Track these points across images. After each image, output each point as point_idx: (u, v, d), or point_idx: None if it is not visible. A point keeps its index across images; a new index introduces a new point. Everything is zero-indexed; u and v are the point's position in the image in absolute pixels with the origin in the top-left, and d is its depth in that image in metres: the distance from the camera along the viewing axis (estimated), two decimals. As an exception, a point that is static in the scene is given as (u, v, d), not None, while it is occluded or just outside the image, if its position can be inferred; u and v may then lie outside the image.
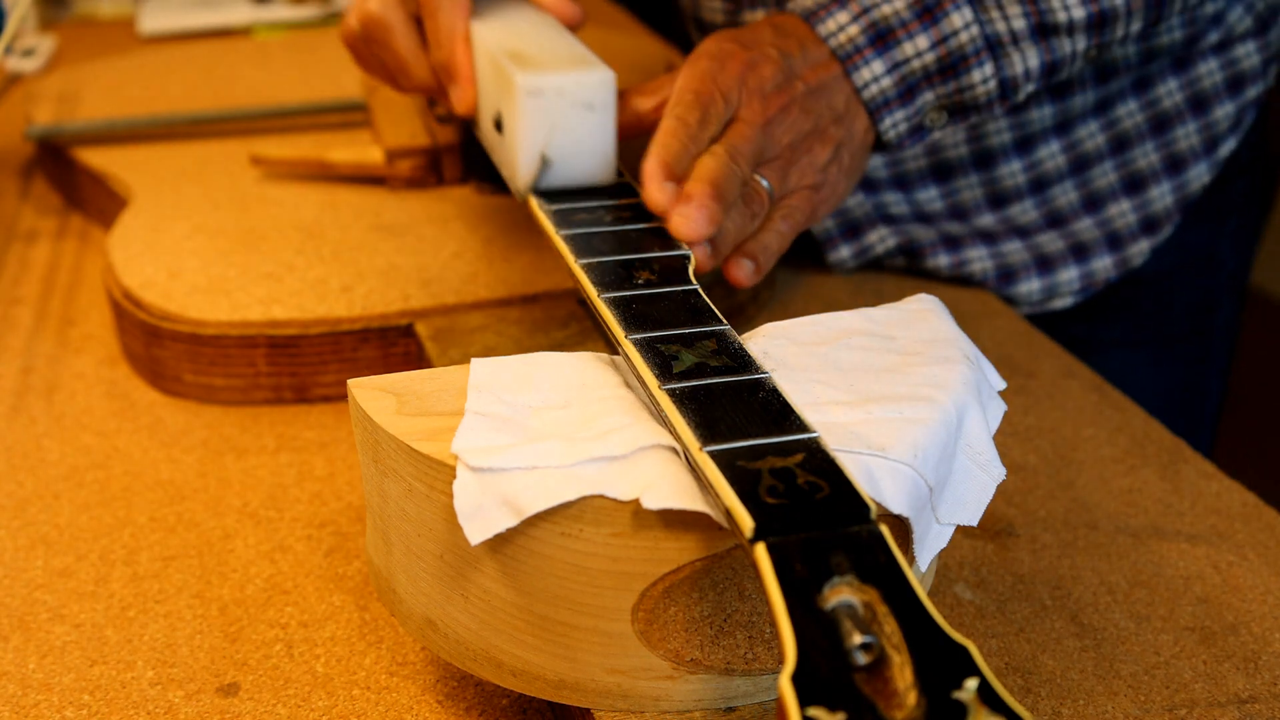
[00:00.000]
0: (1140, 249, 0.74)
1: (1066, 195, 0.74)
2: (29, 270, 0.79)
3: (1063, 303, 0.75)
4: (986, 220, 0.75)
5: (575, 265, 0.48)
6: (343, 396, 0.65)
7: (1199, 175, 0.74)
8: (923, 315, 0.47)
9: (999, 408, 0.45)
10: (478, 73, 0.60)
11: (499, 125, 0.58)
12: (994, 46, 0.61)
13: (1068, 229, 0.74)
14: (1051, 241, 0.73)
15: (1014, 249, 0.74)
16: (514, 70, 0.54)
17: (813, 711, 0.28)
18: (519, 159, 0.55)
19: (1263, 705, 0.45)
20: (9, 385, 0.67)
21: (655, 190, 0.52)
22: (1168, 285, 0.78)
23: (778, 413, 0.38)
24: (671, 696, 0.40)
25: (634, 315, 0.45)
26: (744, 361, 0.41)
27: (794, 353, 0.44)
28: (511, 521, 0.37)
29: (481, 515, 0.37)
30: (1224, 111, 0.74)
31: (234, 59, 1.03)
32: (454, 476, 0.38)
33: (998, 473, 0.42)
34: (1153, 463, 0.59)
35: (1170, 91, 0.73)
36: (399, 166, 0.77)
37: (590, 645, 0.40)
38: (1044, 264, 0.74)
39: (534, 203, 0.55)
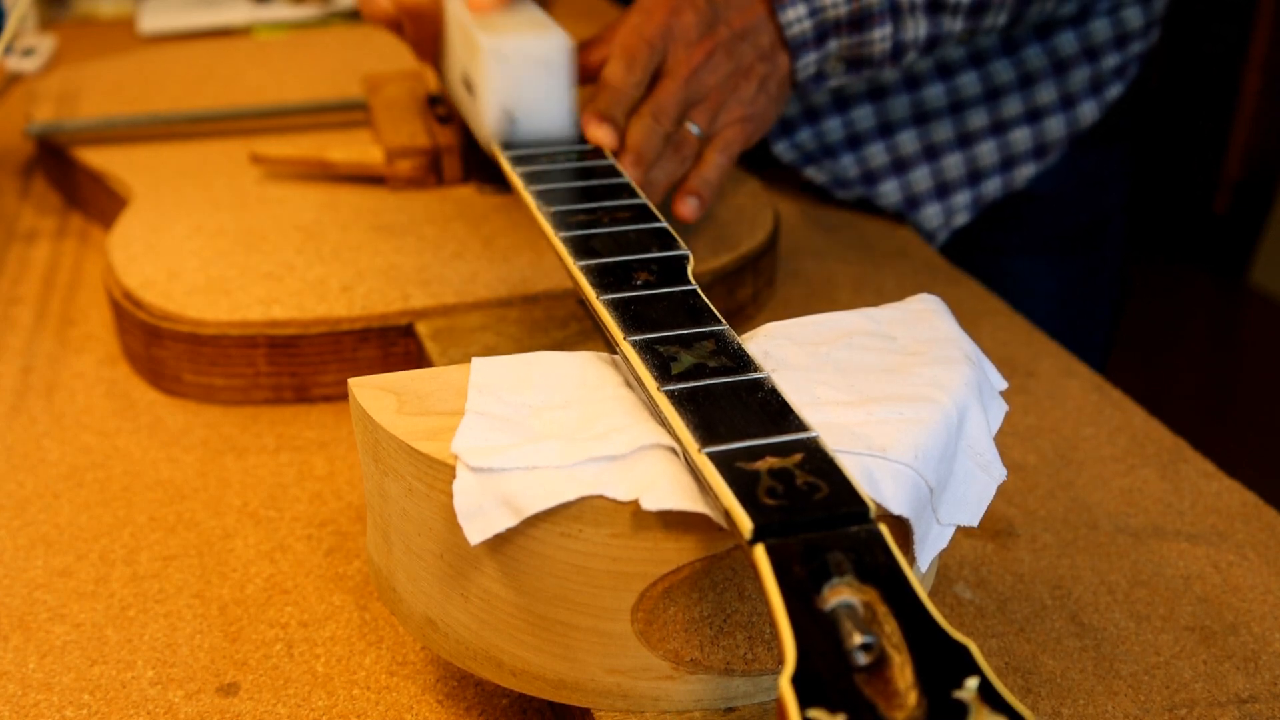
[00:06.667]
0: (1026, 172, 0.88)
1: (979, 119, 0.87)
2: (29, 270, 0.79)
3: (960, 219, 0.89)
4: (907, 136, 0.87)
5: (574, 266, 0.48)
6: (343, 396, 0.65)
7: (1088, 113, 0.87)
8: (924, 315, 0.47)
9: (1000, 408, 0.45)
10: (449, 39, 0.69)
11: (469, 87, 0.65)
12: (895, 11, 0.70)
13: (971, 152, 0.87)
14: (954, 167, 0.87)
15: (920, 177, 0.87)
16: (480, 35, 0.61)
17: (813, 713, 0.28)
18: (487, 115, 0.62)
19: (1263, 705, 0.45)
20: (9, 385, 0.67)
21: (593, 128, 0.62)
22: (1063, 202, 0.91)
23: (776, 413, 0.38)
24: (671, 696, 0.40)
25: (633, 316, 0.44)
26: (743, 362, 0.41)
27: (794, 353, 0.44)
28: (511, 521, 0.37)
29: (481, 515, 0.37)
30: (1110, 61, 0.87)
31: (234, 59, 1.03)
32: (454, 476, 0.38)
33: (999, 473, 0.42)
34: (1153, 462, 0.59)
35: (1069, 41, 0.86)
36: (399, 166, 0.77)
37: (590, 645, 0.40)
38: (943, 190, 0.88)
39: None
